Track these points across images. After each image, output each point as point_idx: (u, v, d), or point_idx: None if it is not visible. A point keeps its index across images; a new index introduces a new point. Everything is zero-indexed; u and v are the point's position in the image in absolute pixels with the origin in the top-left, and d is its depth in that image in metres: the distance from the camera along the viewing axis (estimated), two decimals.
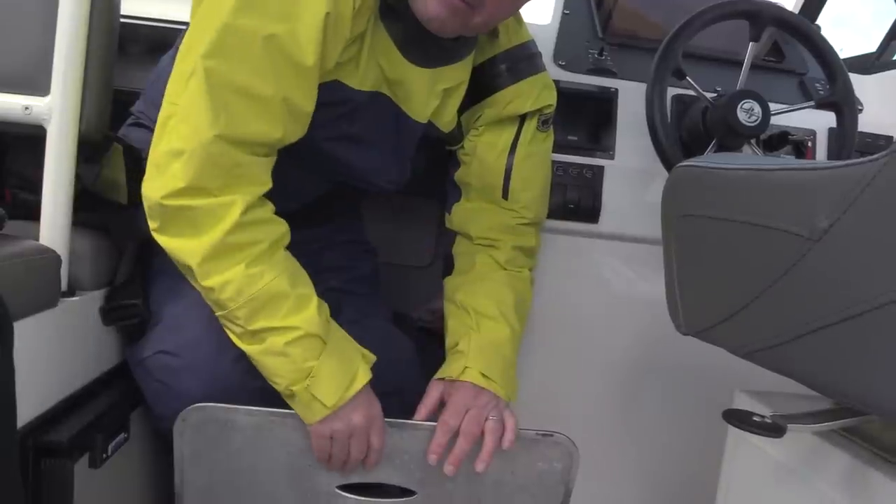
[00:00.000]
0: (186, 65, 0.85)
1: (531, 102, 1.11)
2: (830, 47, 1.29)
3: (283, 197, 0.96)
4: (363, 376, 0.92)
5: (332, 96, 0.94)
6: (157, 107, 1.09)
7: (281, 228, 0.91)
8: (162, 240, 0.88)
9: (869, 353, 0.58)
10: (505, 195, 1.13)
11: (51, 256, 0.89)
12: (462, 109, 1.12)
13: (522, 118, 1.12)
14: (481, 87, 1.11)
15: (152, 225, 0.88)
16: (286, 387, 0.89)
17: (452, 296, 1.13)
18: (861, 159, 0.57)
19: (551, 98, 1.14)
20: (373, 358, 0.95)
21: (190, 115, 0.84)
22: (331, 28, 0.85)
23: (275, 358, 0.88)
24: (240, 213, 0.85)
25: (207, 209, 0.85)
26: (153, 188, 0.86)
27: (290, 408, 0.93)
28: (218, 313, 0.89)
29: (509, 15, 1.01)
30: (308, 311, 0.89)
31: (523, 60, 1.11)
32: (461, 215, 1.18)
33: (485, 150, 1.13)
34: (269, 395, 0.97)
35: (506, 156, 1.12)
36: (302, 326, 0.87)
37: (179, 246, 0.87)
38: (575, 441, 0.97)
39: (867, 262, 0.56)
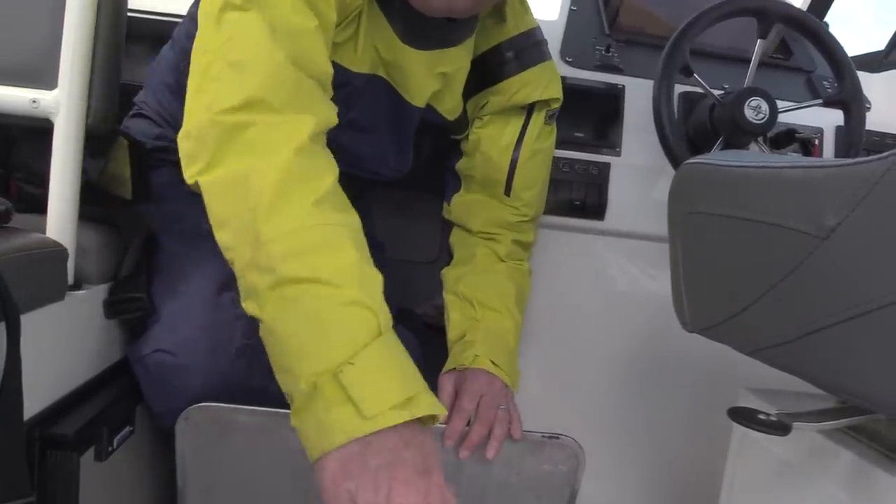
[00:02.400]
0: (211, 7, 0.76)
1: (539, 92, 1.10)
2: (839, 45, 1.28)
3: None
4: (427, 406, 0.65)
5: (333, 79, 0.93)
6: (157, 95, 1.10)
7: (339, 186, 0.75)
8: (210, 177, 0.71)
9: (876, 351, 0.58)
10: (507, 192, 1.12)
11: (58, 250, 0.89)
12: (467, 96, 1.11)
13: (529, 111, 1.11)
14: (488, 75, 1.09)
15: (194, 167, 0.72)
16: (307, 377, 0.63)
17: (454, 287, 1.13)
18: (869, 157, 0.57)
19: (558, 91, 1.12)
20: (443, 411, 0.69)
21: (244, 38, 0.73)
22: None
23: (301, 324, 0.64)
24: (309, 134, 0.71)
25: (271, 126, 0.70)
26: (202, 107, 0.72)
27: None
28: (242, 260, 0.69)
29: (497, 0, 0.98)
30: (368, 280, 0.67)
31: (530, 48, 1.09)
32: (461, 206, 1.18)
33: (488, 144, 1.12)
34: (268, 396, 0.96)
35: (510, 152, 1.11)
36: (354, 287, 0.65)
37: (231, 174, 0.69)
38: (579, 438, 0.97)
39: (875, 261, 0.56)
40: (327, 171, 0.73)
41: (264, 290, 0.67)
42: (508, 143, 1.11)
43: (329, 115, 0.77)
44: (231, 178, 0.70)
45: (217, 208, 0.72)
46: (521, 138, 1.11)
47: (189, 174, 0.73)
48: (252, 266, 0.68)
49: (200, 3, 0.80)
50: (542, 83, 1.09)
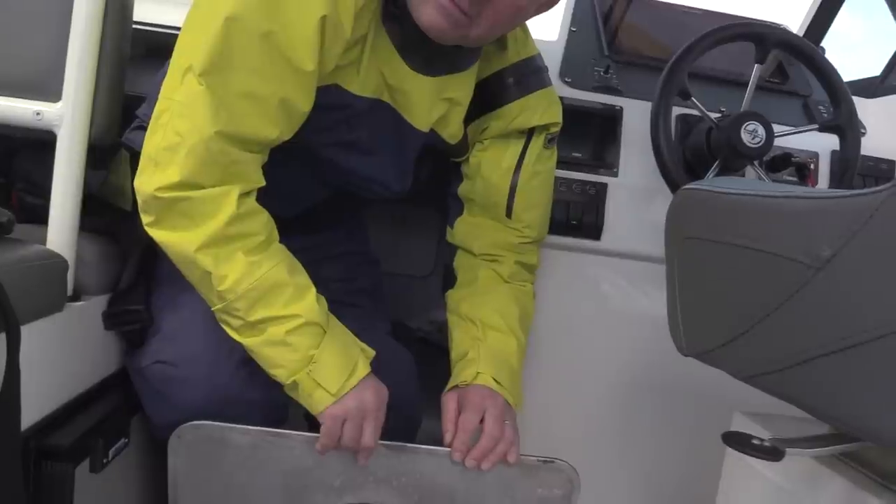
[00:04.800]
0: (183, 61, 0.85)
1: (538, 117, 1.11)
2: (835, 70, 1.30)
3: (282, 200, 0.96)
4: (364, 367, 0.92)
5: (332, 100, 0.93)
6: None
7: (272, 221, 0.92)
8: (157, 234, 0.88)
9: (868, 382, 0.59)
10: (508, 214, 1.13)
11: (58, 261, 0.89)
12: (468, 121, 1.12)
13: (529, 134, 1.11)
14: (489, 100, 1.10)
15: (146, 220, 0.88)
16: (288, 377, 0.88)
17: (456, 308, 1.13)
18: (864, 190, 0.58)
19: (557, 115, 1.13)
20: (371, 353, 0.96)
21: (189, 111, 0.83)
22: (329, 31, 0.85)
23: (275, 348, 0.88)
24: (236, 204, 0.85)
25: (203, 200, 0.85)
26: (146, 182, 0.85)
27: (287, 421, 0.92)
28: (216, 307, 0.89)
29: (509, 29, 1.00)
30: (307, 300, 0.89)
31: (531, 74, 1.10)
32: (464, 230, 1.18)
33: (489, 167, 1.12)
34: (268, 407, 0.97)
35: (510, 175, 1.11)
36: (302, 314, 0.88)
37: (175, 239, 0.86)
38: (571, 459, 0.97)
39: (869, 293, 0.57)
40: (256, 223, 0.89)
41: (238, 328, 0.89)
42: (508, 167, 1.11)
43: (255, 177, 0.90)
44: (167, 242, 0.87)
45: (175, 262, 0.89)
46: (521, 161, 1.11)
47: (144, 223, 0.88)
48: (223, 312, 0.89)
49: (176, 45, 0.88)
50: (541, 108, 1.10)
